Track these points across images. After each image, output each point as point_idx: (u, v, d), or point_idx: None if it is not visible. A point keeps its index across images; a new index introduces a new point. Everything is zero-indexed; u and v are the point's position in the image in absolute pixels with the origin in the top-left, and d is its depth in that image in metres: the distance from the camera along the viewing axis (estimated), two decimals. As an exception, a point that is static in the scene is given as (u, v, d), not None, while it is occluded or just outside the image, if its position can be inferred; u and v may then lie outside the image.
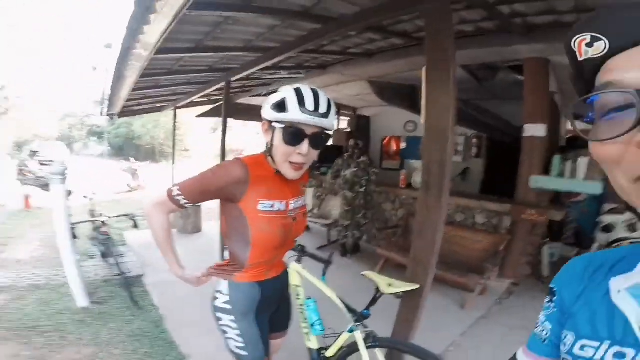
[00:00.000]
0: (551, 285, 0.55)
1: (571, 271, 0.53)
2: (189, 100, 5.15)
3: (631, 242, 2.75)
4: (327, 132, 1.07)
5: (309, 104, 0.99)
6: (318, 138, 1.04)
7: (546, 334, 0.54)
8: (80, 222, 3.23)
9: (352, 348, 1.59)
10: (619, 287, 0.42)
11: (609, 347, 0.41)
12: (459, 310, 2.85)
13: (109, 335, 2.42)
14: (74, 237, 2.96)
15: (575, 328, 0.47)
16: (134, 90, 3.41)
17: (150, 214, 1.16)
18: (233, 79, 3.37)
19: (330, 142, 8.06)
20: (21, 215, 6.21)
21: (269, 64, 2.76)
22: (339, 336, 1.68)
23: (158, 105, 5.98)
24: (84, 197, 4.05)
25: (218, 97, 5.29)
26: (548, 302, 0.55)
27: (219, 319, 1.24)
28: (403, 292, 1.64)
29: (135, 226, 3.43)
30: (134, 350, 2.27)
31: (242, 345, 1.19)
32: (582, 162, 2.59)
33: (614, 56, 0.36)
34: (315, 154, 1.09)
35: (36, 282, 3.22)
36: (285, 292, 1.42)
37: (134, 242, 4.61)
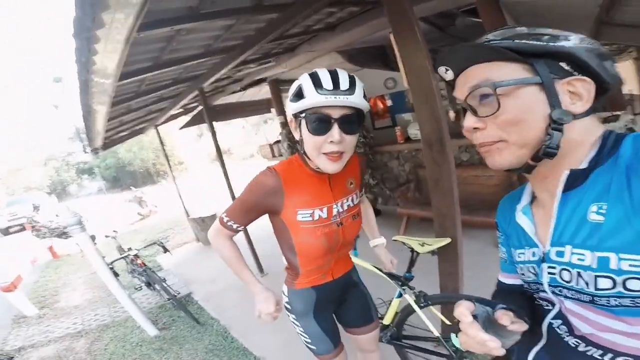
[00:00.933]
0: (496, 220, 0.78)
1: (503, 206, 0.76)
2: (167, 116, 5.09)
3: None
4: (358, 111, 0.94)
5: (326, 83, 0.88)
6: (349, 120, 0.92)
7: (505, 256, 0.76)
8: (116, 260, 3.40)
9: (407, 311, 1.69)
10: (518, 209, 0.68)
11: (528, 250, 0.65)
12: (496, 251, 2.92)
13: (189, 356, 2.60)
14: (116, 275, 3.11)
15: (513, 244, 0.71)
16: (108, 120, 3.34)
17: (213, 243, 1.19)
18: (204, 84, 3.33)
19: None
20: (53, 265, 6.47)
21: (235, 63, 2.72)
22: (390, 303, 1.80)
23: (138, 128, 5.91)
24: (106, 236, 4.20)
25: (195, 105, 5.22)
26: (498, 233, 0.78)
27: (287, 315, 1.33)
28: (437, 248, 1.70)
29: (165, 251, 3.54)
30: (216, 364, 2.44)
31: (309, 340, 1.31)
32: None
33: (456, 79, 0.60)
34: (351, 140, 0.96)
35: (103, 322, 3.45)
36: (348, 290, 1.39)
37: (168, 265, 4.81)
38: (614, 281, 0.49)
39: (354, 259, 1.80)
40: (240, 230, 1.15)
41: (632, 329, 0.52)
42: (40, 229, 7.71)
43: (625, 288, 0.48)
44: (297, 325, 1.32)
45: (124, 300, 2.90)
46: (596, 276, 0.51)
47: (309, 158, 1.01)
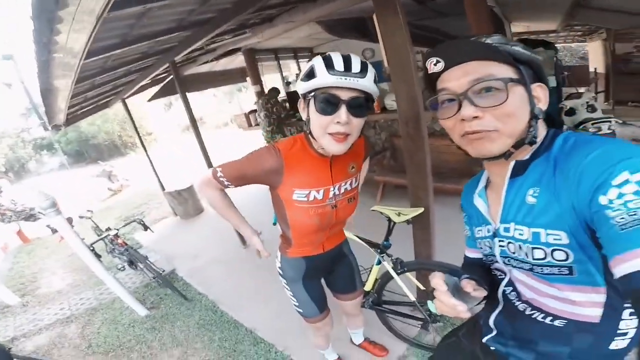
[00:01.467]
0: (461, 203, 0.89)
1: (466, 190, 0.87)
2: (135, 89, 4.82)
3: (593, 123, 3.09)
4: (367, 95, 0.94)
5: (338, 65, 0.89)
6: (357, 103, 0.92)
7: (469, 234, 0.88)
8: (96, 241, 3.33)
9: (386, 277, 1.83)
10: (475, 193, 0.79)
11: (484, 227, 0.77)
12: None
13: (182, 333, 2.64)
14: (98, 257, 3.08)
15: (473, 223, 0.83)
16: (71, 97, 3.16)
17: (202, 192, 1.21)
18: (176, 58, 3.18)
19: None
20: (25, 250, 6.18)
21: (210, 36, 2.60)
22: (370, 270, 1.93)
23: (102, 102, 5.58)
24: (80, 217, 4.03)
25: (165, 76, 4.96)
26: (463, 214, 0.90)
27: (280, 279, 1.45)
28: (412, 217, 1.80)
29: (145, 229, 3.48)
30: (210, 339, 2.49)
31: (297, 303, 1.47)
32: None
33: (445, 71, 0.65)
34: (358, 123, 0.96)
35: (90, 306, 3.40)
36: (338, 261, 1.49)
37: (147, 242, 4.74)
38: (545, 252, 0.61)
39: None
40: (229, 188, 1.18)
41: (562, 294, 0.65)
42: (5, 212, 7.33)
43: (553, 258, 0.61)
44: (287, 289, 1.45)
45: (110, 282, 2.88)
46: (532, 248, 0.63)
47: (314, 138, 1.02)
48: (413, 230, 1.97)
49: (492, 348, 0.87)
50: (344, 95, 0.91)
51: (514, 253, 0.68)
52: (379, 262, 1.87)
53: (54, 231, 6.28)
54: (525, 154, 0.66)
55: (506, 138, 0.62)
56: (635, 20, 3.46)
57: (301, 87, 0.96)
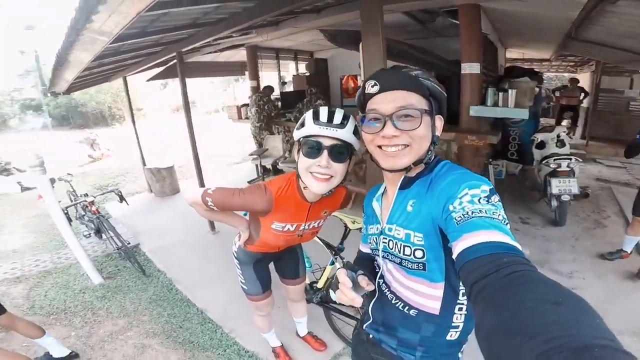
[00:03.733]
0: (363, 205, 1.02)
1: (369, 194, 1.00)
2: (138, 70, 4.89)
3: (555, 159, 3.34)
4: (347, 144, 1.06)
5: (323, 117, 1.04)
6: (337, 150, 1.05)
7: (364, 231, 1.03)
8: (71, 205, 3.33)
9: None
10: (374, 198, 0.95)
11: (375, 226, 0.91)
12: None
13: (132, 305, 2.69)
14: (70, 221, 3.07)
15: (369, 221, 0.97)
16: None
17: (193, 207, 1.35)
18: (184, 49, 3.29)
19: (291, 88, 7.79)
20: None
21: (219, 35, 2.76)
22: (324, 269, 2.08)
23: (104, 77, 5.59)
24: (59, 179, 3.94)
25: (167, 60, 5.04)
26: (364, 214, 1.01)
27: (233, 258, 1.65)
28: None
29: (121, 200, 3.50)
30: (158, 313, 2.56)
31: (243, 281, 1.67)
32: (512, 92, 2.94)
33: (378, 94, 0.77)
34: (339, 168, 1.08)
35: (44, 268, 3.34)
36: (286, 252, 1.70)
37: (118, 214, 4.70)
38: (411, 249, 0.78)
39: None
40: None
41: (416, 286, 0.82)
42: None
43: (414, 255, 0.77)
44: (238, 268, 1.66)
45: (74, 247, 2.87)
46: (404, 245, 0.79)
47: (300, 178, 1.15)
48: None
49: (370, 335, 1.00)
50: (326, 142, 1.05)
51: (392, 249, 0.83)
52: (332, 263, 2.02)
53: (24, 189, 6.14)
54: (414, 172, 0.81)
55: (414, 155, 0.76)
56: (617, 55, 3.64)
57: (296, 135, 1.12)
